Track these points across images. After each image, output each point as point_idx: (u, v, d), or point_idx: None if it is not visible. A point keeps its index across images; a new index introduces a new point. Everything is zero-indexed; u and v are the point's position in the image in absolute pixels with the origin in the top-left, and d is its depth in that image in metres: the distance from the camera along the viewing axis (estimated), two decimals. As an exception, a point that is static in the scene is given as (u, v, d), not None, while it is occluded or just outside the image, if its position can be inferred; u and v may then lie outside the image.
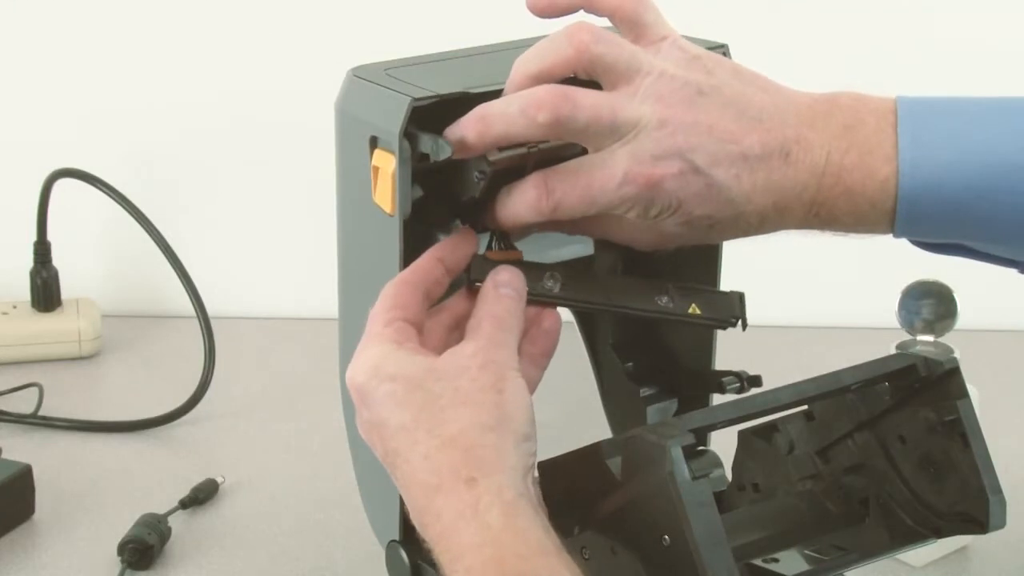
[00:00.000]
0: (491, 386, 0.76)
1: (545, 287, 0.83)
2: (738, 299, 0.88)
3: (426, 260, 0.81)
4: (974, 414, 0.80)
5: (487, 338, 0.78)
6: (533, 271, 0.83)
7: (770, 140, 0.79)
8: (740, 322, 0.88)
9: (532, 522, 0.72)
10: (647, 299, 0.86)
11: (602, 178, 0.78)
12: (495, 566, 0.70)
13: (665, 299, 0.86)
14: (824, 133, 0.80)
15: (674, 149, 0.78)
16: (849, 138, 0.80)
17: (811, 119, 0.80)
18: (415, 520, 0.75)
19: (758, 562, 0.81)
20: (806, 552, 0.82)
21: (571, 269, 0.85)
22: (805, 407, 0.86)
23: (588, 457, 0.77)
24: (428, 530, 0.74)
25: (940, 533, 0.83)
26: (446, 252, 0.82)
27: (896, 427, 0.83)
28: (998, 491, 0.79)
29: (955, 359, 0.80)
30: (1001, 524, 0.80)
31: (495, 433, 0.74)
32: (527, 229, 0.84)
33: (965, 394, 0.80)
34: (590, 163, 0.79)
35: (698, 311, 0.87)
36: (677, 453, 0.72)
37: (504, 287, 0.81)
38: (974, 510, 0.80)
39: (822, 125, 0.80)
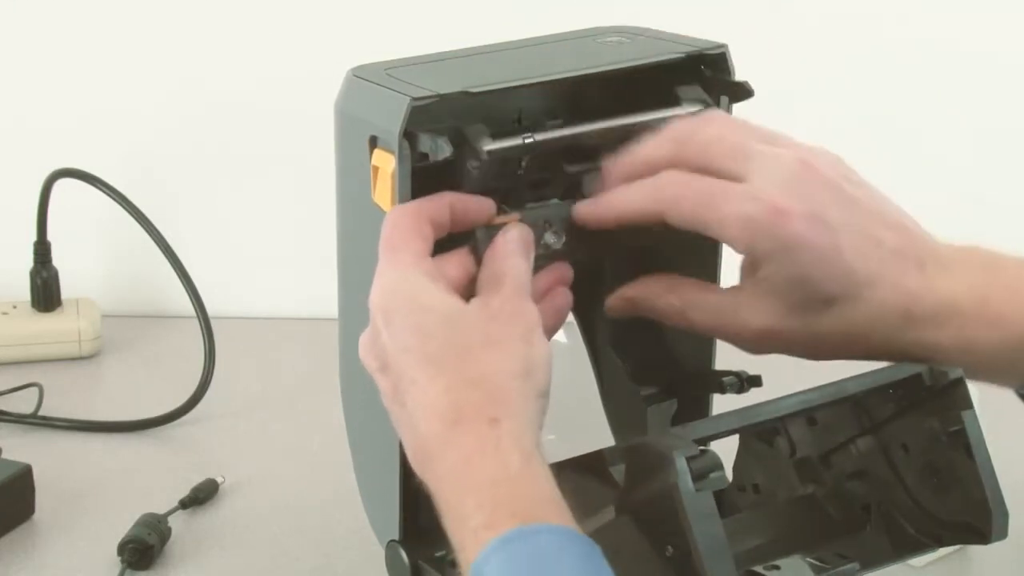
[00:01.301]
0: (520, 336, 0.75)
1: (547, 242, 0.84)
2: None
3: (441, 202, 0.81)
4: (978, 425, 0.80)
5: (512, 291, 0.78)
6: (533, 228, 0.83)
7: (906, 243, 0.77)
8: None
9: (546, 474, 0.71)
10: (639, 234, 0.85)
11: (729, 188, 0.77)
12: (508, 505, 0.69)
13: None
14: (963, 264, 0.77)
15: (810, 192, 0.76)
16: (992, 274, 0.77)
17: (948, 249, 0.78)
18: (418, 452, 0.74)
19: (759, 569, 0.81)
20: (808, 560, 0.82)
21: (567, 215, 0.85)
22: (807, 411, 0.86)
23: (590, 464, 0.77)
24: (436, 463, 0.73)
25: (942, 542, 0.83)
26: (459, 205, 0.82)
27: (899, 435, 0.83)
28: (1001, 503, 0.79)
29: (960, 370, 0.80)
30: (1003, 535, 0.80)
31: (520, 382, 0.74)
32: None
33: (970, 405, 0.79)
34: (722, 181, 0.78)
35: None
36: (682, 464, 0.72)
37: (514, 243, 0.81)
38: (976, 520, 0.80)
39: (960, 257, 0.78)
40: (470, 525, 0.70)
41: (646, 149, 0.81)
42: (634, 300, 0.84)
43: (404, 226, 0.79)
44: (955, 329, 0.77)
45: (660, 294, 0.83)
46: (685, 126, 0.81)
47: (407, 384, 0.74)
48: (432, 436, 0.73)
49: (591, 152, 0.87)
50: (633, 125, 0.85)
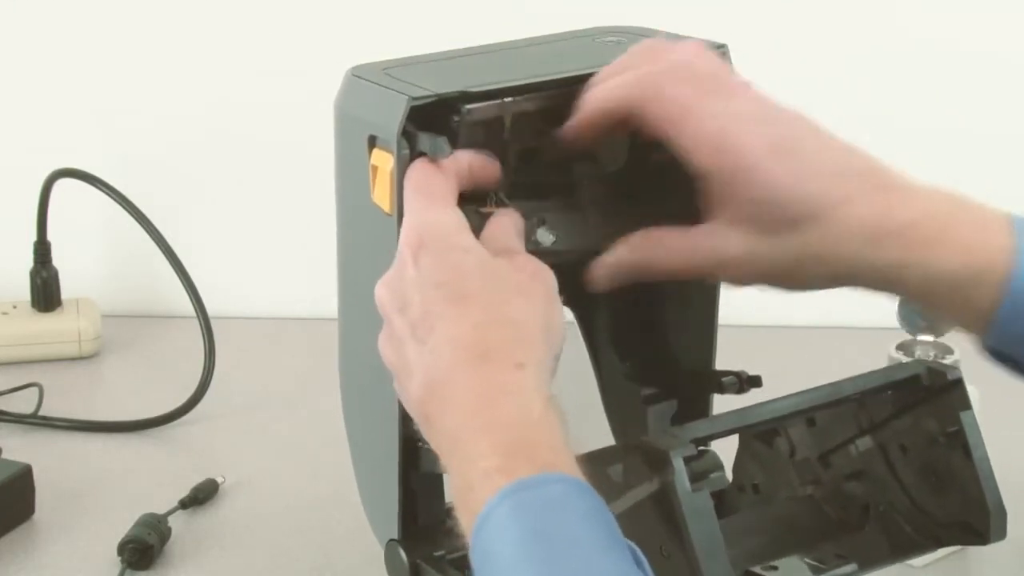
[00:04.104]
0: (544, 293, 0.76)
1: (537, 241, 0.84)
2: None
3: (462, 160, 0.81)
4: (976, 426, 0.80)
5: (526, 255, 0.78)
6: (525, 225, 0.83)
7: (872, 168, 0.79)
8: None
9: (563, 425, 0.71)
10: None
11: (703, 106, 0.79)
12: (526, 448, 0.69)
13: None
14: (929, 193, 0.78)
15: (776, 120, 0.79)
16: (957, 205, 0.78)
17: (914, 180, 0.79)
18: (434, 385, 0.73)
19: (757, 569, 0.81)
20: (806, 560, 0.82)
21: (559, 213, 0.85)
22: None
23: (588, 463, 0.77)
24: (455, 397, 0.72)
25: (940, 542, 0.83)
26: (476, 164, 0.82)
27: (898, 436, 0.83)
28: (999, 503, 0.79)
29: (958, 371, 0.80)
30: (1001, 536, 0.80)
31: (544, 335, 0.74)
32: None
33: (968, 406, 0.79)
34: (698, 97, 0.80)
35: None
36: (679, 464, 0.72)
37: (509, 226, 0.81)
38: (975, 521, 0.80)
39: (927, 187, 0.79)
40: (482, 465, 0.69)
41: (622, 61, 0.83)
42: (615, 264, 0.84)
43: (433, 173, 0.80)
44: (920, 251, 0.77)
45: (638, 248, 0.83)
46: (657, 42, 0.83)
47: (433, 319, 0.74)
48: (456, 368, 0.72)
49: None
50: None
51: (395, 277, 0.77)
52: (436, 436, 0.74)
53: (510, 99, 0.82)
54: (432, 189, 0.79)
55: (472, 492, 0.69)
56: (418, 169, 0.80)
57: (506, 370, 0.72)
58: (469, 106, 0.81)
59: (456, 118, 0.81)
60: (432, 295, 0.74)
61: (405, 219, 0.78)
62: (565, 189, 0.87)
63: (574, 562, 0.66)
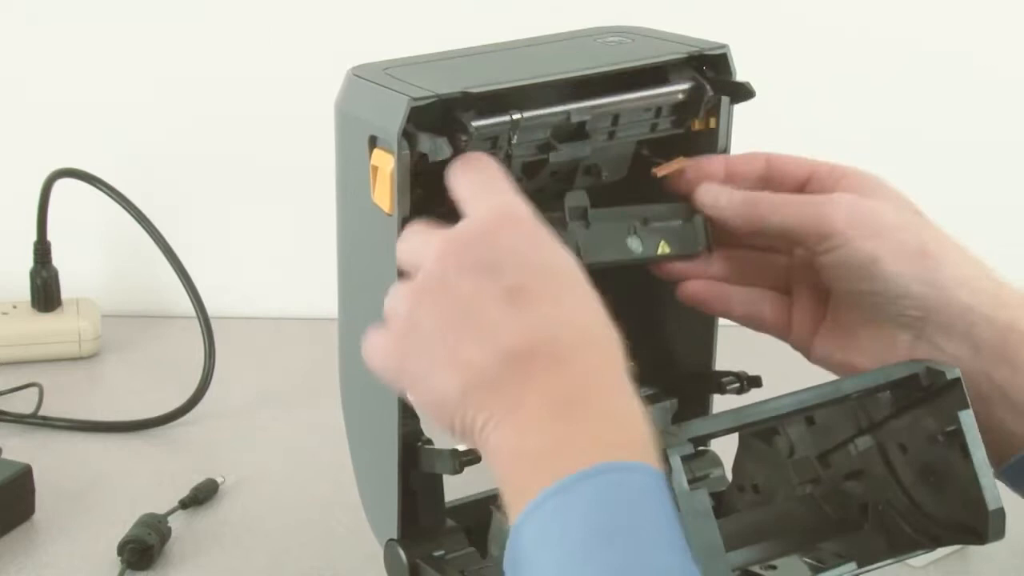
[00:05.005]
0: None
1: None
2: (702, 224, 0.88)
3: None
4: (975, 425, 0.80)
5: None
6: None
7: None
8: (707, 249, 0.89)
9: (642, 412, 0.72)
10: (619, 246, 0.86)
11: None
12: (637, 439, 0.70)
13: (635, 241, 0.86)
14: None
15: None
16: None
17: None
18: (538, 349, 0.71)
19: (756, 569, 0.81)
20: (805, 560, 0.82)
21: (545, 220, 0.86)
22: (805, 410, 0.86)
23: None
24: (576, 367, 0.71)
25: (939, 542, 0.83)
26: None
27: (897, 435, 0.83)
28: (998, 503, 0.79)
29: (957, 370, 0.80)
30: (1000, 536, 0.80)
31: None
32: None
33: (967, 405, 0.79)
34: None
35: (667, 249, 0.87)
36: (676, 463, 0.72)
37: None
38: (973, 521, 0.80)
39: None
40: (592, 431, 0.70)
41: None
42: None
43: (491, 165, 0.79)
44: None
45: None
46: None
47: (539, 292, 0.72)
48: (576, 341, 0.72)
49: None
50: (620, 104, 0.86)
51: (477, 239, 0.74)
52: (529, 392, 0.71)
53: (518, 115, 0.82)
54: (496, 176, 0.78)
55: (560, 457, 0.68)
56: (475, 161, 0.79)
57: (617, 359, 0.73)
58: (476, 123, 0.81)
59: (464, 137, 0.81)
60: (531, 271, 0.73)
61: (478, 196, 0.77)
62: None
63: (641, 549, 0.66)
